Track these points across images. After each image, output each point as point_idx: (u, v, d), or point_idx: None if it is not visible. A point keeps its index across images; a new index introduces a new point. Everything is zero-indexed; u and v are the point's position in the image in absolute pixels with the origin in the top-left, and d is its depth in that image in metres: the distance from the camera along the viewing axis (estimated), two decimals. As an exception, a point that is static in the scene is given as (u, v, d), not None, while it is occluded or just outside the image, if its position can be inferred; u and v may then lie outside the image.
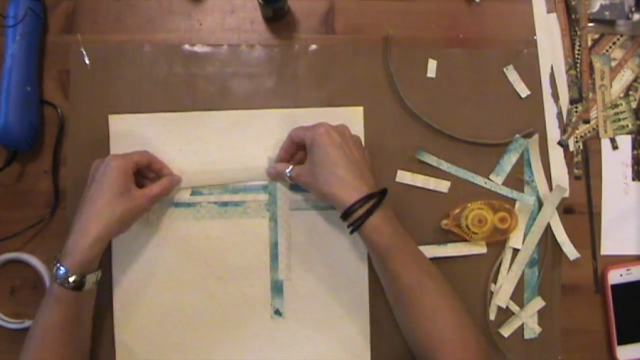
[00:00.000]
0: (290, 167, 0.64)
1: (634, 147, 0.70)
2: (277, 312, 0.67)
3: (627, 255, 0.69)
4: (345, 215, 0.58)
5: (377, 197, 0.58)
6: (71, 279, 0.56)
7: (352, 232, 0.59)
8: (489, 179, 0.69)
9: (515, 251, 0.68)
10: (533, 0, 0.70)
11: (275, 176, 0.67)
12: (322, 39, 0.69)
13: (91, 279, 0.58)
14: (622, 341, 0.68)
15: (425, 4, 0.70)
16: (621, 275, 0.68)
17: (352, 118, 0.67)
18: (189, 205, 0.67)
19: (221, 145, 0.68)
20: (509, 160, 0.69)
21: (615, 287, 0.68)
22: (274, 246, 0.67)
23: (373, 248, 0.59)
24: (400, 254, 0.59)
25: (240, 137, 0.68)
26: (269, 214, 0.67)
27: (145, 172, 0.65)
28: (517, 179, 0.69)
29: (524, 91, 0.69)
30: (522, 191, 0.69)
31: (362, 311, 0.67)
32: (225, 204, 0.67)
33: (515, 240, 0.68)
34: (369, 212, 0.57)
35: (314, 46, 0.68)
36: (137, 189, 0.62)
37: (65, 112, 0.68)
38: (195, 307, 0.67)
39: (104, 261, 0.65)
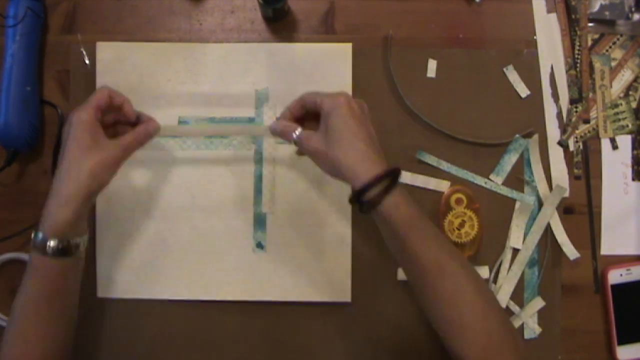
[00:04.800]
0: (300, 129, 0.58)
1: (634, 147, 0.70)
2: (259, 245, 0.67)
3: (627, 255, 0.69)
4: (362, 190, 0.53)
5: (395, 173, 0.55)
6: (50, 244, 0.53)
7: (367, 210, 0.54)
8: (489, 179, 0.69)
9: (515, 251, 0.68)
10: (533, 0, 0.70)
11: (278, 134, 0.60)
12: (322, 39, 0.69)
13: (74, 245, 0.55)
14: (622, 341, 0.68)
15: (425, 4, 0.70)
16: (621, 275, 0.68)
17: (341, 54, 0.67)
18: (174, 136, 0.67)
19: (210, 77, 0.68)
20: (509, 160, 0.69)
21: (615, 287, 0.68)
22: (259, 179, 0.67)
23: (391, 226, 0.54)
24: (419, 233, 0.55)
25: (229, 70, 0.68)
26: (255, 146, 0.67)
27: (115, 118, 0.60)
28: (517, 179, 0.69)
29: (524, 91, 0.69)
30: (522, 191, 0.69)
31: (344, 247, 0.67)
32: (211, 135, 0.67)
33: (515, 240, 0.68)
34: (390, 187, 0.53)
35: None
36: (107, 140, 0.57)
37: (65, 112, 0.68)
38: (177, 238, 0.67)
39: None
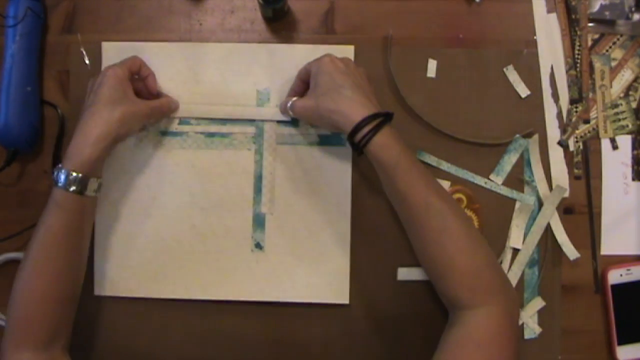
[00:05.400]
0: (294, 98, 0.64)
1: (634, 147, 0.70)
2: (258, 246, 0.67)
3: (627, 255, 0.69)
4: (353, 132, 0.57)
5: (384, 115, 0.57)
6: (74, 179, 0.56)
7: (359, 151, 0.58)
8: (489, 179, 0.69)
9: (515, 251, 0.68)
10: (533, 0, 0.70)
11: (282, 111, 0.66)
12: (322, 39, 0.69)
13: (92, 184, 0.58)
14: (622, 341, 0.68)
15: (425, 4, 0.70)
16: (621, 275, 0.68)
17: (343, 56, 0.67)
18: (175, 134, 0.68)
19: (212, 77, 0.68)
20: (509, 160, 0.69)
21: (615, 287, 0.68)
22: (258, 179, 0.68)
23: (381, 166, 0.58)
24: (407, 173, 0.57)
25: (231, 70, 0.68)
26: (255, 146, 0.68)
27: (138, 88, 0.65)
28: (517, 179, 0.69)
29: (524, 91, 0.69)
30: (522, 191, 0.69)
31: (343, 248, 0.67)
32: (212, 134, 0.68)
33: (515, 240, 0.68)
34: (377, 128, 0.56)
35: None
36: (135, 96, 0.62)
37: (65, 112, 0.68)
38: (176, 237, 0.67)
39: None
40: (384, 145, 0.57)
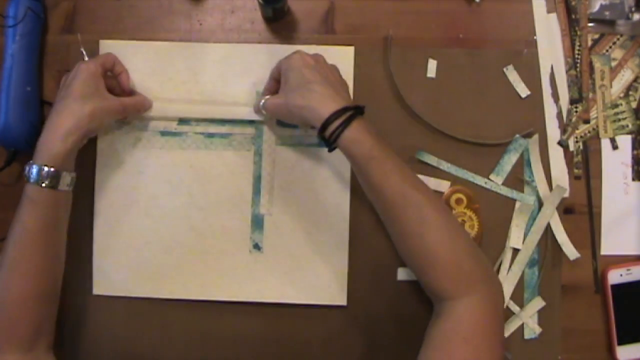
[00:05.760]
0: (265, 97, 0.64)
1: (634, 147, 0.70)
2: (256, 247, 0.67)
3: (627, 255, 0.69)
4: (323, 127, 0.56)
5: (354, 109, 0.57)
6: (45, 173, 0.56)
7: (331, 147, 0.57)
8: (489, 179, 0.69)
9: (515, 251, 0.68)
10: (533, 0, 0.70)
11: (256, 110, 0.66)
12: (322, 39, 0.69)
13: (65, 178, 0.57)
14: (622, 341, 0.68)
15: (425, 4, 0.70)
16: (621, 275, 0.68)
17: (343, 57, 0.67)
18: (175, 134, 0.68)
19: (211, 77, 0.68)
20: (509, 160, 0.69)
21: (615, 287, 0.68)
22: (257, 180, 0.67)
23: (354, 161, 0.57)
24: (381, 166, 0.56)
25: (230, 70, 0.68)
26: (254, 147, 0.68)
27: (110, 85, 0.64)
28: (517, 179, 0.69)
29: (524, 91, 0.69)
30: (522, 191, 0.69)
31: (341, 250, 0.67)
32: (211, 135, 0.68)
33: (515, 240, 0.68)
34: (347, 122, 0.55)
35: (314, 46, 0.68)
36: (107, 92, 0.62)
37: (65, 112, 0.68)
38: (174, 237, 0.67)
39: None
40: (355, 139, 0.56)
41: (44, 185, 0.56)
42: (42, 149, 0.57)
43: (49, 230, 0.58)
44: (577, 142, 0.70)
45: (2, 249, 0.57)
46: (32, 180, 0.56)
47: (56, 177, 0.57)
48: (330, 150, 0.58)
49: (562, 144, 0.69)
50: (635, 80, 0.70)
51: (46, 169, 0.56)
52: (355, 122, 0.56)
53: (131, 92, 0.66)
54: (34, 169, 0.56)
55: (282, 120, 0.66)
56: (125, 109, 0.63)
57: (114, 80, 0.65)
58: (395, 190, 0.56)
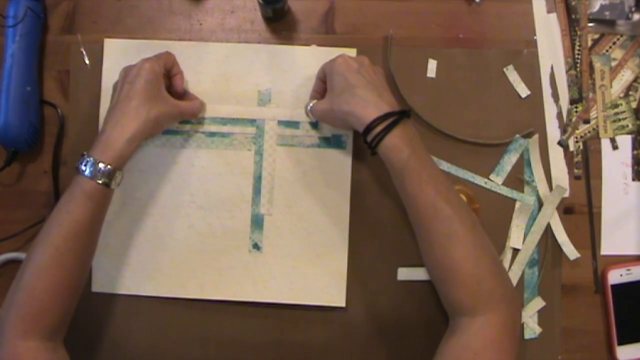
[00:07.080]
0: (312, 102, 0.64)
1: (634, 147, 0.70)
2: (256, 246, 0.67)
3: (627, 255, 0.69)
4: (366, 132, 0.57)
5: (397, 115, 0.57)
6: (104, 170, 0.56)
7: (372, 151, 0.58)
8: (489, 179, 0.69)
9: (515, 251, 0.68)
10: (533, 0, 0.70)
11: (306, 113, 0.67)
12: (322, 39, 0.69)
13: (118, 178, 0.58)
14: (622, 341, 0.68)
15: (425, 4, 0.70)
16: (621, 275, 0.68)
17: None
18: (176, 132, 0.68)
19: (214, 76, 0.68)
20: (509, 160, 0.69)
21: (615, 287, 0.68)
22: (258, 180, 0.67)
23: (391, 168, 0.57)
24: (416, 175, 0.56)
25: (232, 70, 0.68)
26: (255, 147, 0.68)
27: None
28: (517, 179, 0.69)
29: (524, 91, 0.69)
30: (522, 191, 0.69)
31: (341, 251, 0.67)
32: (212, 134, 0.68)
33: (515, 240, 0.68)
34: (388, 129, 0.56)
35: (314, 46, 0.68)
36: (168, 95, 0.62)
37: (65, 112, 0.68)
38: (174, 235, 0.67)
39: None
40: (394, 147, 0.56)
41: (100, 182, 0.56)
42: (104, 147, 0.57)
43: (94, 225, 0.58)
44: (577, 142, 0.70)
45: (43, 238, 0.56)
46: (86, 174, 0.56)
47: (112, 175, 0.57)
48: (372, 155, 0.58)
49: (562, 144, 0.69)
50: (635, 80, 0.70)
51: (104, 166, 0.56)
52: (397, 129, 0.56)
53: (184, 94, 0.66)
54: (89, 163, 0.56)
55: (330, 125, 0.66)
56: (183, 114, 0.64)
57: (167, 79, 0.65)
58: (428, 201, 0.56)
